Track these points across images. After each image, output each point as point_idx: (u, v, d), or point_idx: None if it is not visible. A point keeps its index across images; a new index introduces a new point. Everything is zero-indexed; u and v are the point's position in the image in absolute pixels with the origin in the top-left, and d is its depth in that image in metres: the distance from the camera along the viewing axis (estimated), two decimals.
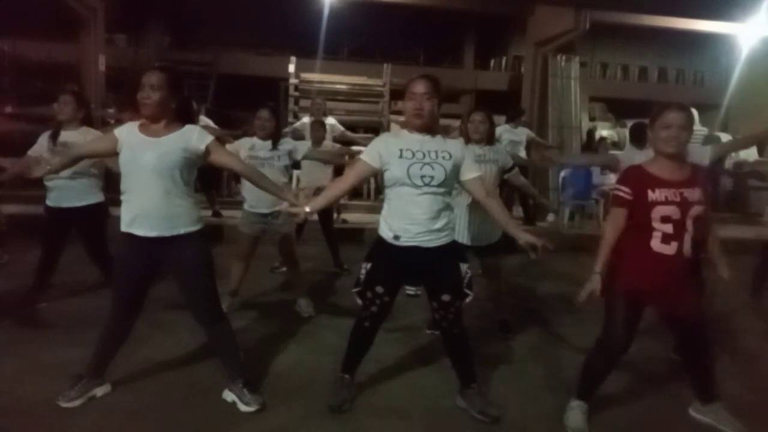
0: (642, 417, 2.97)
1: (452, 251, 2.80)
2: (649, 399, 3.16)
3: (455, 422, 2.82)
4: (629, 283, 2.64)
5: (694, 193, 2.56)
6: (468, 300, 2.81)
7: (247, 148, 4.16)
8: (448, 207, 2.76)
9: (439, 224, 2.71)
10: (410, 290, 4.54)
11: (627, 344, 2.71)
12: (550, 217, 8.66)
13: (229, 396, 2.86)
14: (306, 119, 7.25)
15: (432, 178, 2.64)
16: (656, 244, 2.59)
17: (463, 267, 2.79)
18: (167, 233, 2.64)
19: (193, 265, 2.72)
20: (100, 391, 2.85)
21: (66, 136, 3.81)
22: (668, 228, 2.56)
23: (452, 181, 2.76)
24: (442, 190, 2.69)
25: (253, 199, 4.15)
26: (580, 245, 6.80)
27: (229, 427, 2.68)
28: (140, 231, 2.63)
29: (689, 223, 2.56)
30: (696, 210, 2.56)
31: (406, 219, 2.70)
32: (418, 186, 2.65)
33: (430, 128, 2.75)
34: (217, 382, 2.94)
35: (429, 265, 2.75)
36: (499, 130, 7.86)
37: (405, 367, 3.41)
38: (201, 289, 2.77)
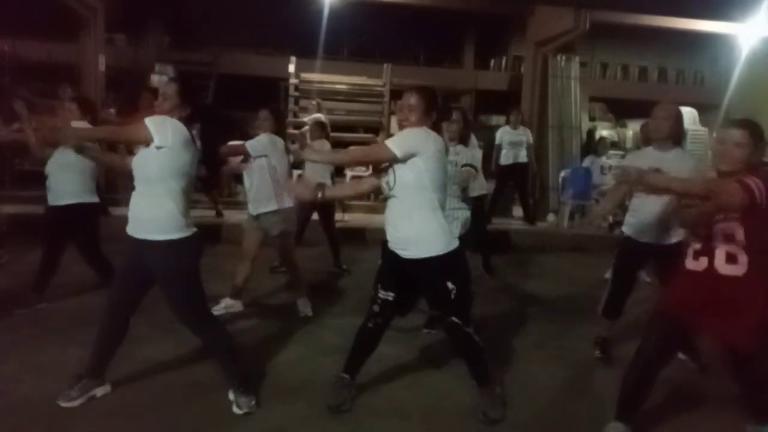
0: (643, 416, 2.96)
1: (434, 267, 2.71)
2: (652, 398, 3.16)
3: (455, 422, 2.83)
4: (667, 299, 2.64)
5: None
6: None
7: None
8: (415, 215, 2.67)
9: (405, 231, 2.70)
10: None
11: (657, 358, 2.64)
12: (550, 217, 8.66)
13: (231, 395, 2.86)
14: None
15: (388, 183, 2.72)
16: (689, 260, 2.53)
17: (449, 285, 2.71)
18: (136, 235, 2.69)
19: (162, 275, 2.72)
20: (100, 391, 2.85)
21: None
22: (696, 244, 2.49)
23: (408, 186, 2.66)
24: (400, 194, 2.69)
25: (248, 198, 4.18)
26: (580, 245, 6.75)
27: (229, 426, 2.68)
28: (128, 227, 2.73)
29: (717, 241, 2.42)
30: (724, 227, 2.40)
31: (386, 224, 2.81)
32: (385, 192, 2.77)
33: None
34: (217, 382, 2.94)
35: (411, 276, 2.79)
36: (498, 133, 7.88)
37: (405, 367, 3.41)
38: (173, 298, 2.77)
